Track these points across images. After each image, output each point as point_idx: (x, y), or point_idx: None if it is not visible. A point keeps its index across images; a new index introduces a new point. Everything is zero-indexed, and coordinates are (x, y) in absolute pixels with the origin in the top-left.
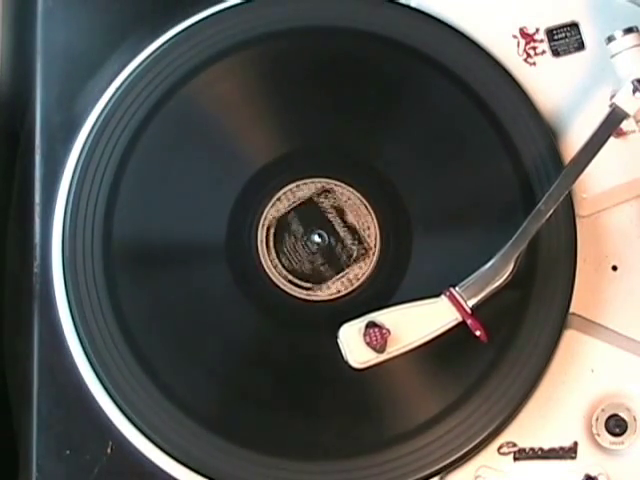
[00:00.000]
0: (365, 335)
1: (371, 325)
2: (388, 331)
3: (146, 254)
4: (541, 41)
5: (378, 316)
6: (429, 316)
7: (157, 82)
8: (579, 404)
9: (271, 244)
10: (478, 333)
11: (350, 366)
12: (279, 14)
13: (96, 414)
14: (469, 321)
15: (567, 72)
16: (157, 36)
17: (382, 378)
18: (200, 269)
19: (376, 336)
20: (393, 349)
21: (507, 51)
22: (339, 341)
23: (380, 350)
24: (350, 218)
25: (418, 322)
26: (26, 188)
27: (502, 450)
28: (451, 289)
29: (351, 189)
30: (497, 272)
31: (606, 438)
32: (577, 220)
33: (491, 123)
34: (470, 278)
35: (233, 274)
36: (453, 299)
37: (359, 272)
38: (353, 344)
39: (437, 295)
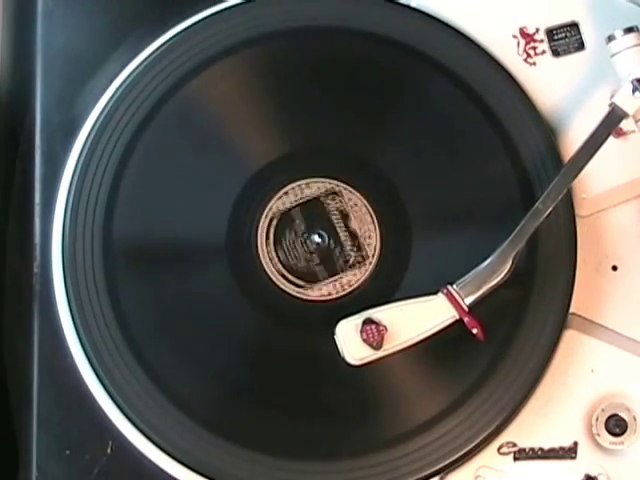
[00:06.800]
0: (362, 332)
1: (368, 322)
2: (385, 328)
3: (146, 254)
4: (541, 41)
5: (375, 313)
6: (426, 313)
7: (157, 82)
8: (579, 404)
9: (271, 235)
10: (475, 331)
11: (346, 362)
12: (279, 14)
13: (96, 414)
14: (466, 319)
15: (567, 72)
16: (157, 36)
17: (382, 378)
18: (200, 268)
19: (373, 333)
20: (390, 346)
21: (507, 51)
22: (336, 337)
23: (377, 347)
24: (353, 224)
25: (415, 319)
26: (26, 188)
27: (502, 450)
28: (448, 286)
29: (359, 195)
30: (494, 270)
31: (606, 438)
32: (577, 220)
33: (491, 123)
34: (467, 276)
35: (232, 269)
36: (450, 296)
37: (352, 279)
38: (350, 340)
39: (435, 292)
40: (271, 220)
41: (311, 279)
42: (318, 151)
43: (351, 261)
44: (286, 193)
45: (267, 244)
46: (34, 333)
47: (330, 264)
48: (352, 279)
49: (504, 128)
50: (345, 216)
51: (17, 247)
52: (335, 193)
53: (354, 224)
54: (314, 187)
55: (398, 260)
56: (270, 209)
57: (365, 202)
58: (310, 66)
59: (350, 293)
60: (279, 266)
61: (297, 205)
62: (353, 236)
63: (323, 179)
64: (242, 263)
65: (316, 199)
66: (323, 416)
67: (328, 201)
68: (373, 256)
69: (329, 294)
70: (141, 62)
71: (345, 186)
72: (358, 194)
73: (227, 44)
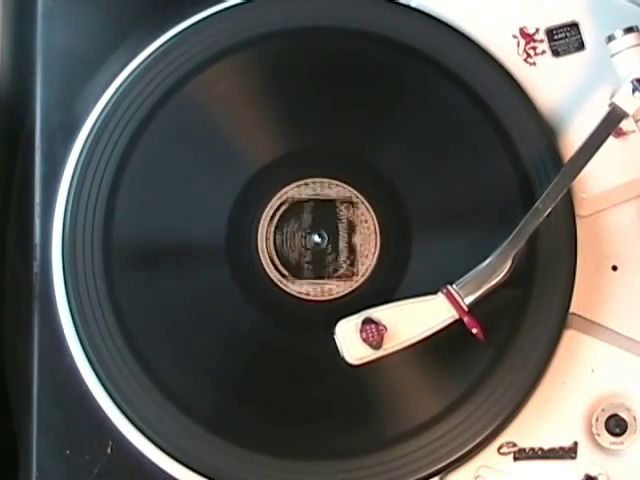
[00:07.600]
0: (362, 331)
1: (368, 321)
2: (384, 327)
3: (146, 254)
4: (541, 41)
5: (375, 312)
6: (426, 313)
7: (157, 82)
8: (579, 404)
9: (275, 218)
10: (475, 331)
11: (346, 362)
12: (279, 14)
13: (96, 414)
14: (465, 319)
15: (567, 72)
16: (157, 36)
17: (382, 378)
18: (200, 268)
19: (372, 332)
20: (389, 345)
21: (507, 51)
22: (335, 337)
23: (376, 346)
24: (356, 238)
25: (415, 319)
26: (26, 188)
27: (502, 450)
28: (448, 286)
29: (373, 213)
30: (494, 270)
31: (606, 438)
32: (577, 220)
33: (491, 123)
34: (467, 276)
35: (232, 269)
36: (450, 296)
37: (335, 288)
38: (349, 340)
39: (435, 292)
40: (282, 204)
41: (296, 274)
42: (318, 151)
43: (340, 272)
44: (306, 184)
45: (270, 224)
46: (34, 333)
47: (319, 266)
48: (335, 289)
49: (504, 128)
50: (352, 228)
51: (17, 247)
52: (352, 203)
53: (357, 239)
54: (332, 190)
55: (398, 260)
56: (285, 193)
57: (375, 222)
58: (310, 66)
59: (335, 300)
60: (272, 248)
61: (312, 200)
62: (352, 250)
63: (327, 179)
64: (242, 263)
65: (332, 201)
66: (323, 416)
67: (343, 207)
68: (362, 275)
69: (307, 294)
70: (141, 62)
71: (363, 200)
72: (372, 212)
73: (227, 44)
